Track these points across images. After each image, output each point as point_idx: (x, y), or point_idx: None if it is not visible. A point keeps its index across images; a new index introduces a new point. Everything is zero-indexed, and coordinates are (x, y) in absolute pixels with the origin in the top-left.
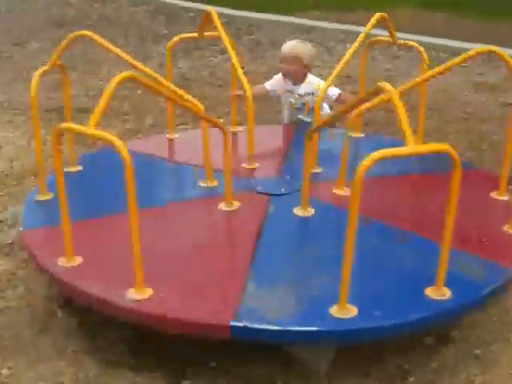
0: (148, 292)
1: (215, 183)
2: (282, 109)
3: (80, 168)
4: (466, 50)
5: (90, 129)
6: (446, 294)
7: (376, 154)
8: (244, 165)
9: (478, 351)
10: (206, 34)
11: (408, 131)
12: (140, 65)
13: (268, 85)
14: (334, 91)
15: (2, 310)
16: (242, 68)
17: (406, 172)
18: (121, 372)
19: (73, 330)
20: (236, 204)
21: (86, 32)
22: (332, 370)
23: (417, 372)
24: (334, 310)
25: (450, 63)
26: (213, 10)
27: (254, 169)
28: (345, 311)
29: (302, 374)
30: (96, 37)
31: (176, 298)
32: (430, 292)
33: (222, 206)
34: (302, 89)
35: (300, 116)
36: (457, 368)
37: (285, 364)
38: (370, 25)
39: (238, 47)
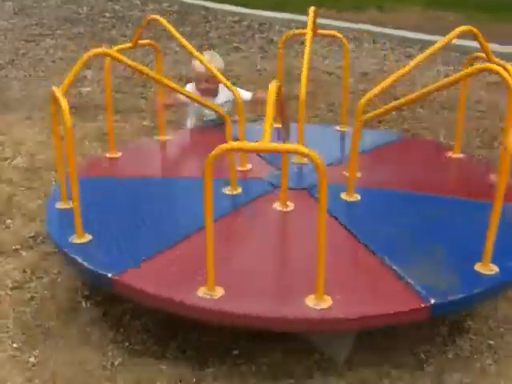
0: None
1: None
2: (188, 117)
3: None
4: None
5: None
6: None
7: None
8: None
9: (491, 342)
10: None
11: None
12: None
13: (184, 97)
14: (247, 94)
15: (28, 301)
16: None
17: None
18: (145, 360)
19: (97, 320)
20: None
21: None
22: (350, 358)
23: (433, 361)
24: None
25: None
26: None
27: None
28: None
29: (321, 362)
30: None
31: None
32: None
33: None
34: (220, 99)
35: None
36: (471, 358)
37: (305, 352)
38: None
39: (251, 45)
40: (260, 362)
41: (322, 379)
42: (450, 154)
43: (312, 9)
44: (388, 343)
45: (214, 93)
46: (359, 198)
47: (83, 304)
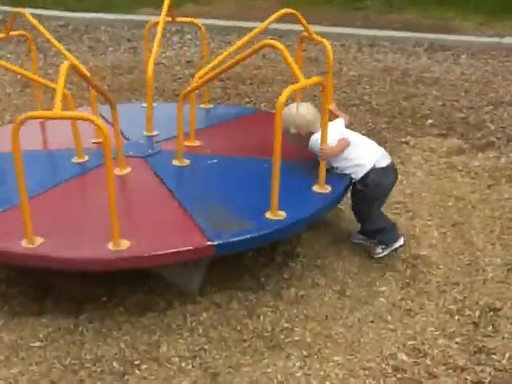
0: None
1: (86, 158)
2: None
3: None
4: None
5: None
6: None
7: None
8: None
9: (318, 262)
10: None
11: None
12: None
13: None
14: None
15: None
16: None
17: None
18: (26, 318)
19: None
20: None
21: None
22: (203, 288)
23: (272, 282)
24: None
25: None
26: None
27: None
28: None
29: (179, 295)
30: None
31: None
32: None
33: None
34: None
35: None
36: (303, 275)
37: (164, 289)
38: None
39: (80, 46)
40: (126, 303)
41: (180, 308)
42: None
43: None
44: (232, 273)
45: None
46: (188, 162)
47: None
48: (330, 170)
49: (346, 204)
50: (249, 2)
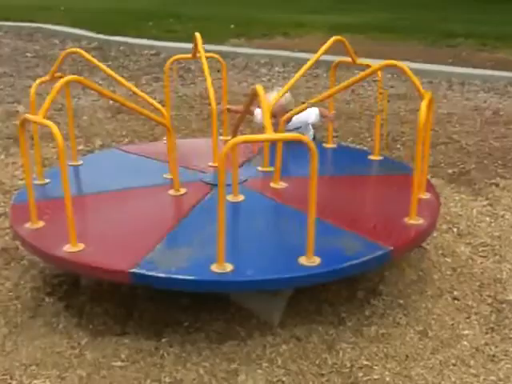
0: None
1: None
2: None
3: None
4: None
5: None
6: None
7: (238, 139)
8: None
9: (401, 301)
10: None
11: (268, 122)
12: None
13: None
14: (315, 111)
15: None
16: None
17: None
18: (108, 337)
19: (61, 311)
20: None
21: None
22: (283, 320)
23: (352, 318)
24: None
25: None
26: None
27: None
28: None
29: (259, 325)
30: (86, 54)
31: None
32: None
33: (171, 192)
34: (290, 126)
35: None
36: (385, 314)
37: (244, 318)
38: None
39: (170, 74)
40: (207, 329)
41: (260, 338)
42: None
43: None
44: (313, 307)
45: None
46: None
47: (46, 300)
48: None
49: (431, 243)
50: (340, 36)
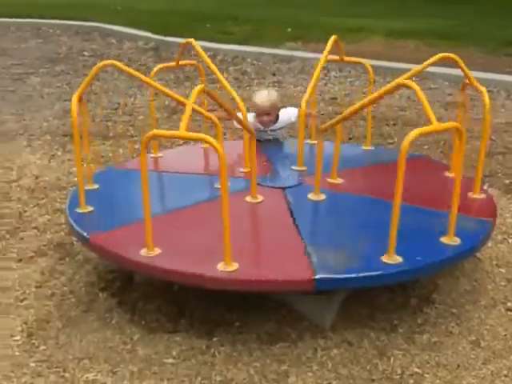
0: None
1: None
2: None
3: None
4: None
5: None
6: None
7: (416, 131)
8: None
9: (454, 310)
10: (182, 62)
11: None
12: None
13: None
14: (295, 111)
15: (49, 297)
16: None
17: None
18: (160, 335)
19: (114, 307)
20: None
21: (112, 61)
22: (334, 324)
23: (404, 326)
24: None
25: (413, 71)
26: (192, 40)
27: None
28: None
29: (310, 328)
30: (120, 65)
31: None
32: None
33: (249, 199)
34: (277, 126)
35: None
36: (437, 322)
37: (296, 320)
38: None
39: (226, 77)
40: (259, 330)
41: (311, 341)
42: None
43: (333, 38)
44: (365, 312)
45: (272, 123)
46: (323, 197)
47: (100, 295)
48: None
49: (485, 253)
50: (397, 41)
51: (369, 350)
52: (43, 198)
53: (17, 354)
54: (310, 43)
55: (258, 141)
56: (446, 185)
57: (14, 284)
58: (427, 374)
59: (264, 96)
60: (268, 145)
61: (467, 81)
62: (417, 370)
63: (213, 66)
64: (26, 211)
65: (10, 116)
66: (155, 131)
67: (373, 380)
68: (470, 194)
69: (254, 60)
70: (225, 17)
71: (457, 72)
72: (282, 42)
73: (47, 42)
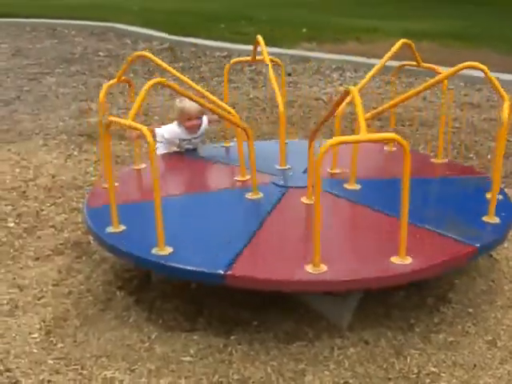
0: None
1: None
2: (168, 147)
3: None
4: None
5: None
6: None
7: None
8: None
9: (471, 310)
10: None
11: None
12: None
13: (167, 134)
14: (205, 118)
15: (67, 295)
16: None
17: None
18: (178, 333)
19: (132, 305)
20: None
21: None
22: (352, 323)
23: (421, 325)
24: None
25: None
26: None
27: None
28: None
29: (328, 327)
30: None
31: None
32: None
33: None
34: (199, 133)
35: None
36: (454, 322)
37: (313, 319)
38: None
39: (242, 77)
40: (276, 329)
41: (329, 340)
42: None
43: (258, 37)
44: (382, 311)
45: (199, 127)
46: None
47: (117, 294)
48: None
49: (501, 254)
50: (413, 42)
51: (385, 349)
52: (60, 197)
53: (35, 351)
54: (324, 44)
55: (180, 152)
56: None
57: (31, 282)
58: (444, 373)
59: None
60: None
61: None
62: (433, 369)
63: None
64: (43, 210)
65: (26, 116)
66: (339, 138)
67: (389, 379)
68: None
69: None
70: (239, 17)
71: (472, 73)
72: (297, 43)
73: (62, 42)
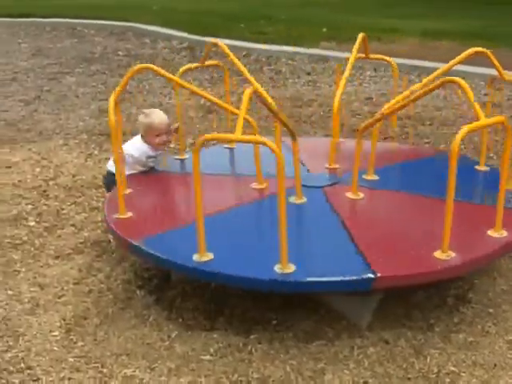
0: None
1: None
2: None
3: None
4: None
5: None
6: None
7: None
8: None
9: (491, 310)
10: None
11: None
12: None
13: (136, 153)
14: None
15: (87, 293)
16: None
17: None
18: (198, 332)
19: (152, 304)
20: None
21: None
22: (371, 323)
23: (441, 325)
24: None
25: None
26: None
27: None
28: None
29: (348, 327)
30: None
31: None
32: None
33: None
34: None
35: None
36: (474, 322)
37: (333, 319)
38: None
39: (261, 76)
40: (296, 328)
41: (348, 340)
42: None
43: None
44: (402, 311)
45: (168, 143)
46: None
47: (137, 293)
48: None
49: None
50: (433, 42)
51: (405, 349)
52: (80, 197)
53: (55, 349)
54: (344, 43)
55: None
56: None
57: (52, 281)
58: (463, 372)
59: (161, 114)
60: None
61: (498, 76)
62: (453, 368)
63: (240, 66)
64: (63, 209)
65: (47, 115)
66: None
67: (409, 378)
68: None
69: (288, 60)
70: (258, 16)
71: (493, 72)
72: (316, 42)
73: (82, 41)
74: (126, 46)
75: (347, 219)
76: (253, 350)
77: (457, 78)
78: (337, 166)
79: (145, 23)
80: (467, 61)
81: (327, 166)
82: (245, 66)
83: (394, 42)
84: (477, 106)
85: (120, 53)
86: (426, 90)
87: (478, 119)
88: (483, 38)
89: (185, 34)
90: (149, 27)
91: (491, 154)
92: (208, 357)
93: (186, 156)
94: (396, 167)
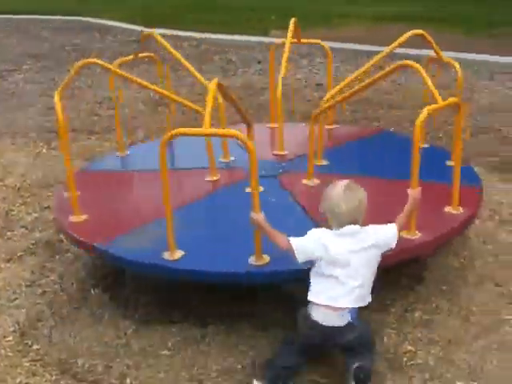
0: None
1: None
2: None
3: None
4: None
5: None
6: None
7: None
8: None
9: (444, 287)
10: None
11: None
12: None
13: None
14: None
15: (41, 295)
16: None
17: None
18: (154, 327)
19: (107, 303)
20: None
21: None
22: None
23: (396, 305)
24: None
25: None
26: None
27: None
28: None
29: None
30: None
31: None
32: None
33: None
34: None
35: None
36: (428, 300)
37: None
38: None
39: (210, 67)
40: (252, 318)
41: None
42: None
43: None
44: None
45: None
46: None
47: (92, 291)
48: None
49: (472, 231)
50: (381, 26)
51: None
52: (29, 196)
53: (10, 354)
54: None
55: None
56: None
57: (4, 284)
58: (420, 350)
59: None
60: None
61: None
62: (410, 347)
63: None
64: (12, 210)
65: None
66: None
67: None
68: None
69: (238, 49)
70: (208, 6)
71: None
72: (266, 30)
73: (28, 37)
74: (74, 41)
75: (309, 207)
76: (211, 342)
77: (411, 62)
78: (285, 152)
79: (93, 17)
80: (409, 43)
81: (275, 152)
82: (195, 56)
83: (343, 28)
84: (433, 89)
85: (68, 48)
86: (381, 75)
87: (436, 102)
88: (432, 21)
89: (134, 27)
90: (97, 20)
91: (440, 135)
92: (166, 351)
93: (128, 152)
94: (341, 149)
